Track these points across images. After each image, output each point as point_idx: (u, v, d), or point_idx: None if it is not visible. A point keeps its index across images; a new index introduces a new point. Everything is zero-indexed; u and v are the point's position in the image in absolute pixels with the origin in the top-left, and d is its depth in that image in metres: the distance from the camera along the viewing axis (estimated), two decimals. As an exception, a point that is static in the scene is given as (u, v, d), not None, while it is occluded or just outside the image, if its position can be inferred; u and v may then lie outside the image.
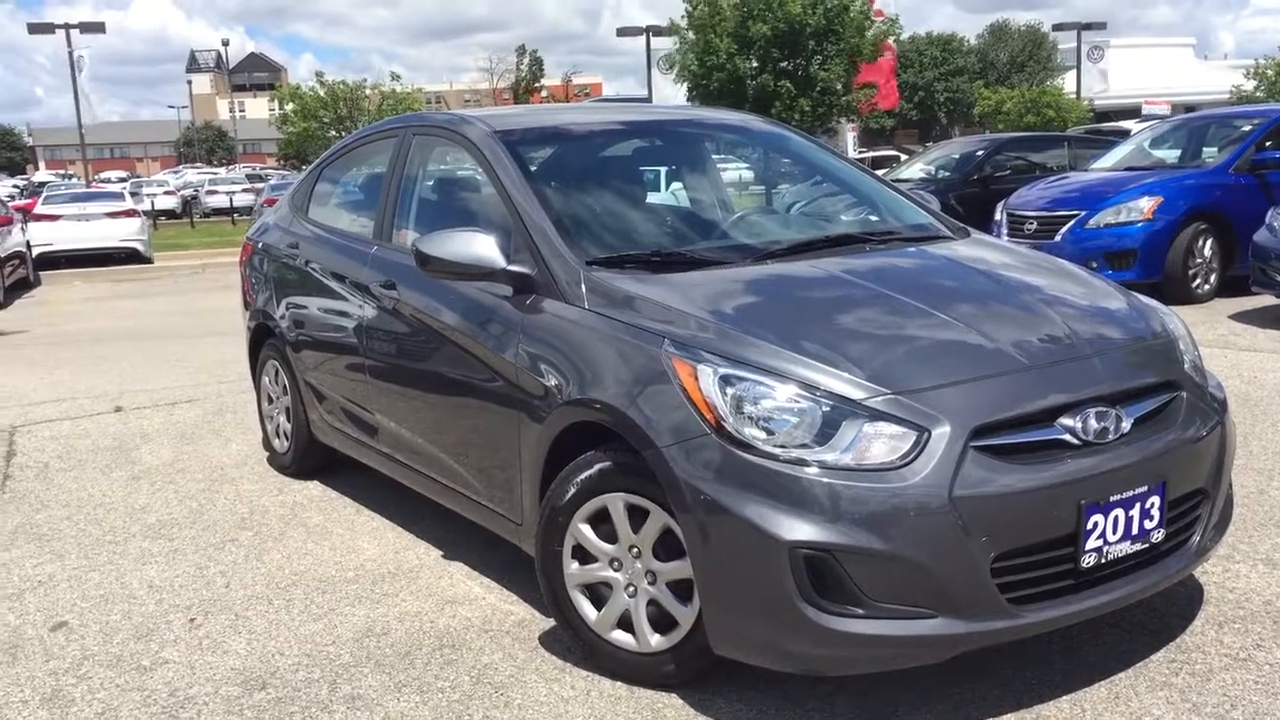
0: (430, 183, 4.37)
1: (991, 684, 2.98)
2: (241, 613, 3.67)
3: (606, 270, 3.31)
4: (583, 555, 3.11)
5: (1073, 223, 9.86)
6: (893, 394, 2.72)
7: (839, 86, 25.86)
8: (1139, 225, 9.58)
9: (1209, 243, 9.69)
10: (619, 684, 3.07)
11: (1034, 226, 10.18)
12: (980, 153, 13.01)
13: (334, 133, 34.83)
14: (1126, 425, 2.89)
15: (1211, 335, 8.03)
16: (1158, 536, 2.91)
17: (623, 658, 3.08)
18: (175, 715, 3.01)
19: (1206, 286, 9.71)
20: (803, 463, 2.65)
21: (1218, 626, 3.29)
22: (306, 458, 5.14)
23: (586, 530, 3.08)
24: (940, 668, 2.87)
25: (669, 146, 4.45)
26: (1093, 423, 2.83)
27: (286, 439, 5.24)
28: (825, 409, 2.70)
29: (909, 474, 2.63)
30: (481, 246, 3.41)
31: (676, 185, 4.41)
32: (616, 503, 3.01)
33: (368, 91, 37.95)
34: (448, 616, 3.58)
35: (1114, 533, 2.81)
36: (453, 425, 3.82)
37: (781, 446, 2.68)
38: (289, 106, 38.02)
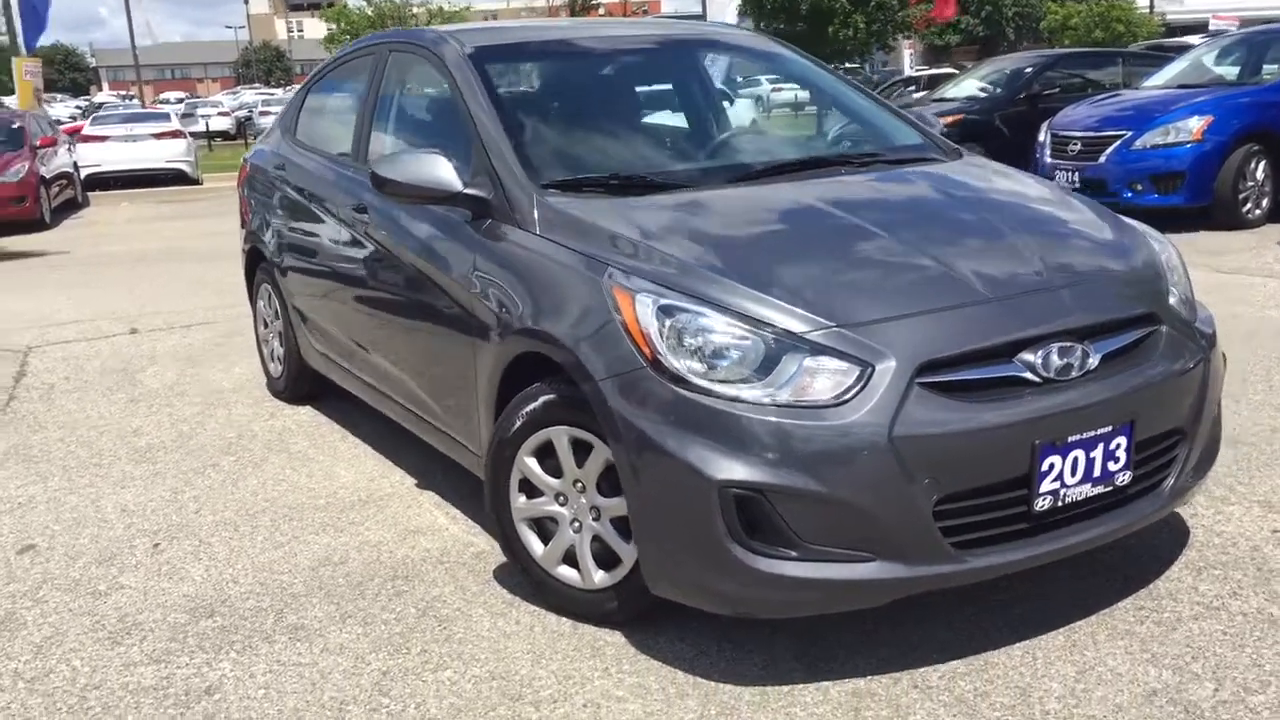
0: (406, 103, 4.24)
1: (943, 626, 2.88)
2: (206, 539, 3.67)
3: (563, 194, 3.19)
4: (530, 489, 3.03)
5: (1118, 143, 9.46)
6: (836, 327, 2.58)
7: (894, 1, 25.10)
8: (1187, 146, 9.17)
9: (1262, 165, 9.25)
10: (565, 620, 3.01)
11: (1078, 148, 9.79)
12: (1029, 69, 12.50)
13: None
14: (1094, 361, 2.72)
15: (1256, 263, 7.70)
16: (1124, 479, 2.76)
17: (568, 593, 3.01)
18: (119, 641, 3.01)
19: (1258, 211, 9.30)
20: (739, 399, 2.53)
21: (1196, 572, 3.14)
22: (299, 382, 5.11)
23: (532, 464, 3.00)
24: (892, 607, 2.76)
25: (653, 65, 4.23)
26: (1055, 359, 2.67)
27: (280, 363, 5.22)
28: (765, 342, 2.57)
29: (848, 411, 2.50)
30: (438, 168, 3.29)
31: (658, 106, 4.20)
32: (561, 436, 2.92)
33: (415, 9, 37.56)
34: (408, 547, 3.54)
35: (1073, 475, 2.67)
36: (418, 352, 3.75)
37: (719, 381, 2.56)
38: (335, 27, 37.78)
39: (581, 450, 2.90)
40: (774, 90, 43.24)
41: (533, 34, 4.21)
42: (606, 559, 2.92)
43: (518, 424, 2.99)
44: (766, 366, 2.56)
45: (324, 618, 3.10)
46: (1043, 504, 2.64)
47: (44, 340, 6.99)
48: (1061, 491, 2.66)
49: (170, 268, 10.11)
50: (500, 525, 3.11)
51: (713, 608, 2.69)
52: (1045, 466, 2.62)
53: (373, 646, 2.93)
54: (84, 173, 18.64)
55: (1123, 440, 2.73)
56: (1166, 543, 3.32)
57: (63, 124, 25.94)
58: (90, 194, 18.38)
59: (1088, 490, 2.71)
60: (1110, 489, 2.75)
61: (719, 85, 4.40)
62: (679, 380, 2.57)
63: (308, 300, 4.70)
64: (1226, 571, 3.13)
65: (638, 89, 4.11)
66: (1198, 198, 9.15)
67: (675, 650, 2.84)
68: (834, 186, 3.31)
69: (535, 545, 3.05)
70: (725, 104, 4.27)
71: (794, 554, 2.53)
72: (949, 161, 3.70)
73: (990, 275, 2.80)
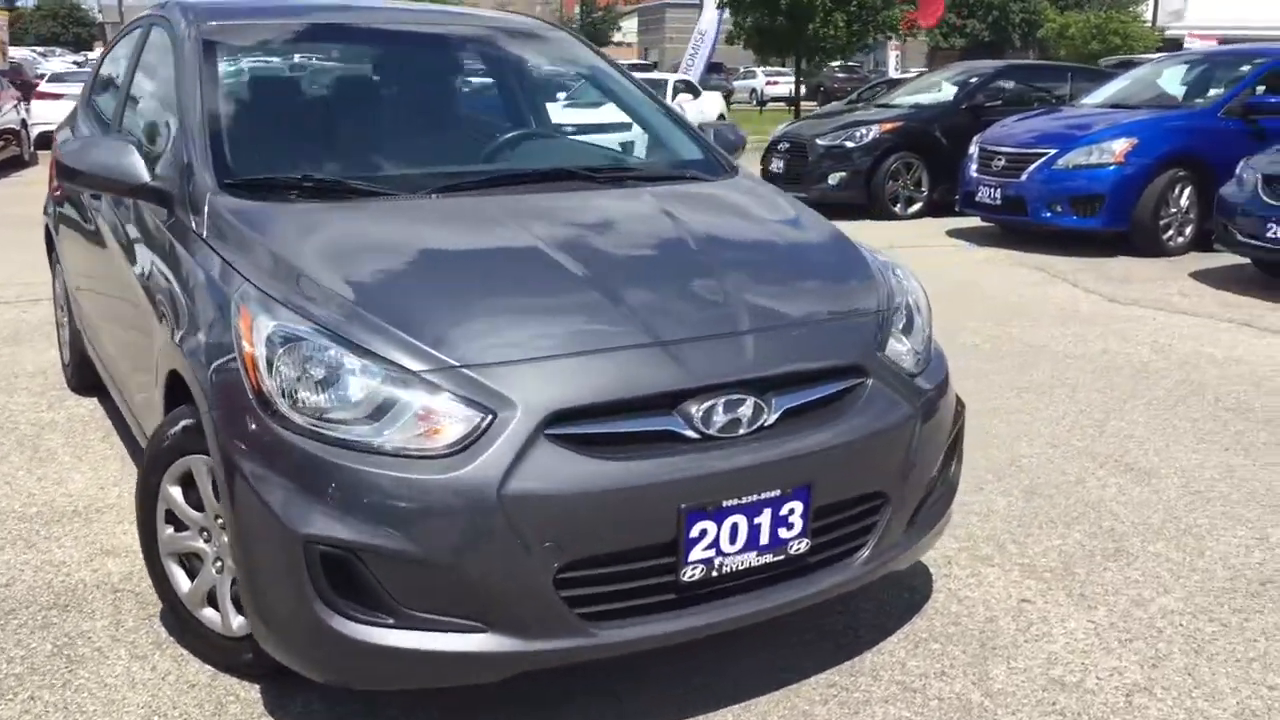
0: (152, 80, 3.89)
1: (609, 698, 2.59)
2: (-120, 547, 3.38)
3: (243, 195, 2.88)
4: (176, 521, 2.74)
5: (1041, 161, 9.17)
6: (460, 367, 2.28)
7: (878, 1, 24.66)
8: (1109, 169, 8.87)
9: (1186, 192, 8.96)
10: (206, 669, 2.72)
11: (1002, 164, 9.50)
12: (974, 80, 12.17)
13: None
14: (771, 418, 2.43)
15: (1157, 294, 7.41)
16: (800, 547, 2.47)
17: (209, 638, 2.72)
18: None
19: (1180, 239, 9.01)
20: (342, 444, 2.23)
21: (914, 645, 2.86)
22: (83, 371, 4.78)
23: (176, 494, 2.70)
24: (560, 674, 2.48)
25: (413, 58, 3.84)
26: (719, 414, 2.38)
27: (66, 349, 4.92)
28: (380, 381, 2.27)
29: (459, 464, 2.21)
30: (123, 158, 2.98)
31: (408, 103, 3.83)
32: (200, 466, 2.62)
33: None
34: (90, 569, 3.25)
35: (732, 542, 2.38)
36: (123, 354, 3.46)
37: (326, 421, 2.26)
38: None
39: (222, 483, 2.60)
40: (769, 84, 42.48)
41: (286, 15, 3.83)
42: (248, 604, 2.63)
43: (161, 448, 2.71)
44: (384, 408, 2.26)
45: (-53, 649, 2.81)
46: (693, 574, 2.35)
47: (-118, 309, 6.67)
48: (718, 560, 2.38)
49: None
50: (147, 557, 2.82)
51: (313, 675, 2.39)
52: (695, 533, 2.33)
53: (-22, 688, 2.64)
54: (36, 130, 18.31)
55: (797, 505, 2.44)
56: (899, 608, 3.05)
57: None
58: (43, 153, 18.00)
59: (753, 559, 2.42)
60: (783, 558, 2.46)
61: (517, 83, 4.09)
62: (281, 418, 2.28)
63: (74, 286, 4.40)
64: (946, 646, 2.86)
65: (385, 84, 3.80)
66: (1116, 222, 8.86)
67: (309, 712, 2.56)
68: (549, 203, 3.02)
69: (182, 582, 2.76)
70: (504, 103, 3.95)
71: (391, 621, 2.24)
72: (712, 181, 3.41)
73: (666, 317, 2.50)
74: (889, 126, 11.44)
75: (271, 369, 2.32)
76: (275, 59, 3.68)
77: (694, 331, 2.48)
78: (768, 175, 11.80)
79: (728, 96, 37.58)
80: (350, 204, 2.91)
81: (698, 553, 2.35)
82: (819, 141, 11.32)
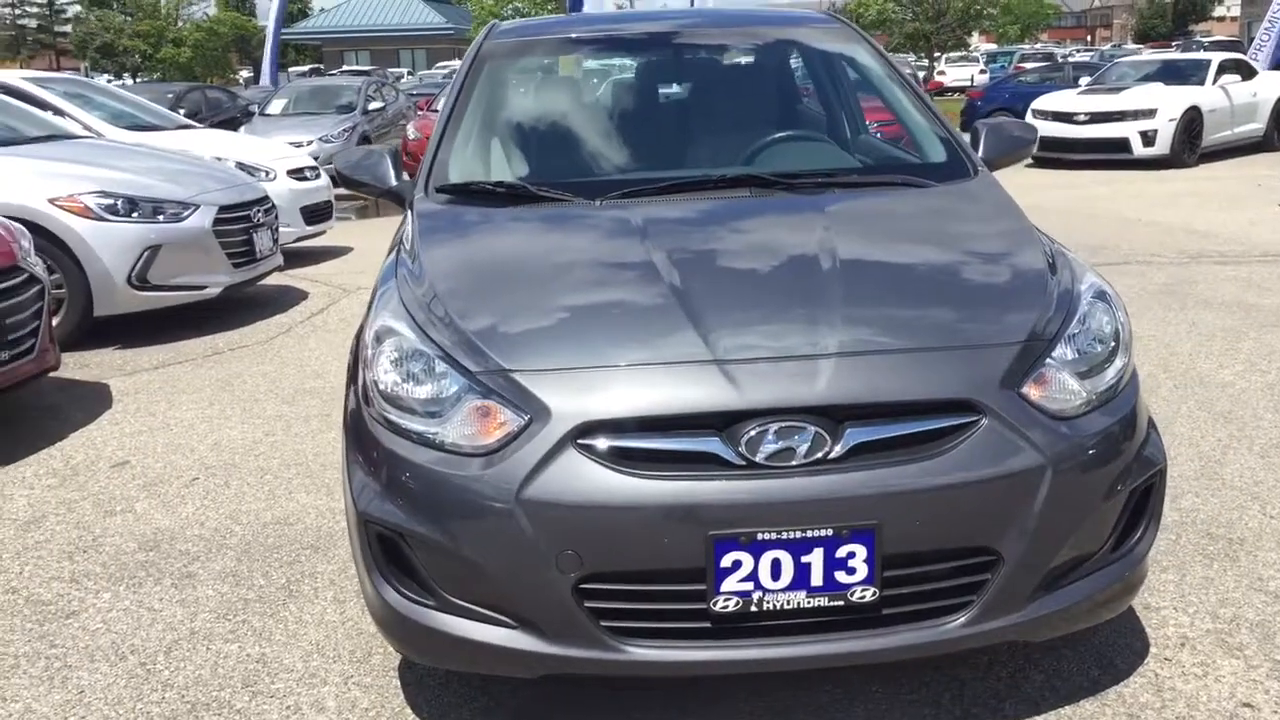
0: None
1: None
2: (235, 480, 4.13)
3: (440, 200, 3.18)
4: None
5: None
6: (511, 370, 2.35)
7: None
8: None
9: None
10: (379, 620, 3.06)
11: None
12: None
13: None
14: (837, 450, 2.22)
15: None
16: (865, 595, 2.23)
17: (386, 596, 3.05)
18: (73, 558, 3.53)
19: None
20: (403, 433, 2.42)
21: (1057, 734, 2.44)
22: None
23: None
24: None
25: (664, 63, 3.85)
26: (770, 441, 2.22)
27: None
28: (447, 378, 2.42)
29: (490, 464, 2.29)
30: (376, 165, 3.41)
31: (653, 107, 3.79)
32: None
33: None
34: (357, 520, 3.73)
35: (774, 578, 2.22)
36: None
37: (395, 409, 2.45)
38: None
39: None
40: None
41: (563, 29, 4.01)
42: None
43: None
44: (444, 404, 2.41)
45: (218, 572, 3.40)
46: (727, 605, 2.23)
47: (377, 283, 7.99)
48: (759, 595, 2.22)
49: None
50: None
51: (388, 642, 2.60)
52: (727, 563, 2.21)
53: (214, 606, 3.18)
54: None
55: (859, 549, 2.21)
56: (1073, 685, 2.61)
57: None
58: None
59: (802, 599, 2.23)
60: (842, 604, 2.24)
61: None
62: (370, 404, 2.51)
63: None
64: (1100, 744, 2.40)
65: (627, 91, 3.86)
66: None
67: (430, 674, 2.79)
68: (704, 209, 3.00)
69: (372, 541, 3.12)
70: (767, 107, 3.85)
71: (432, 603, 2.38)
72: (934, 187, 3.14)
73: (738, 335, 2.37)
74: None
75: (369, 360, 2.55)
76: (532, 71, 3.93)
77: (761, 351, 2.33)
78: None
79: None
80: (513, 210, 3.08)
81: (732, 584, 2.22)
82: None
